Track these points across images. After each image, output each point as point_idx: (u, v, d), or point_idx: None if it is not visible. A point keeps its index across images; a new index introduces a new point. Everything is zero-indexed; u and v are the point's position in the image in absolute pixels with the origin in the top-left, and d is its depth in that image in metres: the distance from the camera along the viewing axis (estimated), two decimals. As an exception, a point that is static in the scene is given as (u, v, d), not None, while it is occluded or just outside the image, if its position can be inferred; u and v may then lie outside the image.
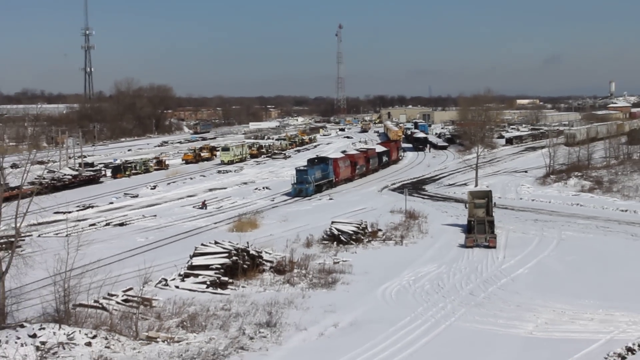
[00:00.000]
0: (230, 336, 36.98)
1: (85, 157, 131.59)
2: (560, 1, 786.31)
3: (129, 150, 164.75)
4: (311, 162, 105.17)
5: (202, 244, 52.34)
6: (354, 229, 61.93)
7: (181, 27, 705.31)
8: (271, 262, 51.60)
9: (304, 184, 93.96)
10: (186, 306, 41.64)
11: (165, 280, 47.72)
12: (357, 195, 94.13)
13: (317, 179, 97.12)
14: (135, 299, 41.94)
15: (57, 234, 65.51)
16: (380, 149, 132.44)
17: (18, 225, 40.25)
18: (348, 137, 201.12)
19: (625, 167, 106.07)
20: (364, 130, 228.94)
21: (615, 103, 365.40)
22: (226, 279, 47.71)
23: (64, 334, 34.86)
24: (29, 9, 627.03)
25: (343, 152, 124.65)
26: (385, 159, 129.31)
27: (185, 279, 47.79)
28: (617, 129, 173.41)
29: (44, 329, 34.98)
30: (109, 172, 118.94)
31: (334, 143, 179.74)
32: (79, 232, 59.00)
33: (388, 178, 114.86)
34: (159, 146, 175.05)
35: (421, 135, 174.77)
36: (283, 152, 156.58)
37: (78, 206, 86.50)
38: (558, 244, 60.04)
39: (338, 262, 53.59)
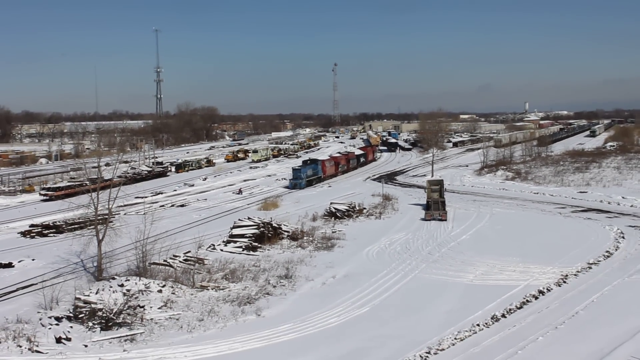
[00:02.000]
0: (259, 285, 36.95)
1: (156, 157, 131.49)
2: (488, 45, 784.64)
3: (187, 152, 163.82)
4: (304, 162, 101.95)
5: (239, 219, 52.26)
6: (346, 207, 61.78)
7: (224, 63, 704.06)
8: (288, 232, 51.41)
9: (298, 180, 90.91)
10: (228, 264, 41.57)
11: (214, 245, 47.57)
12: (348, 184, 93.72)
13: (308, 175, 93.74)
14: (192, 258, 41.89)
15: (137, 212, 65.25)
16: (358, 152, 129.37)
17: (110, 206, 40.33)
18: (341, 142, 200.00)
19: (536, 162, 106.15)
20: (352, 138, 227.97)
21: (529, 117, 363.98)
22: (256, 244, 47.62)
23: (143, 284, 34.90)
24: (119, 52, 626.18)
25: (330, 155, 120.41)
26: (362, 159, 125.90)
27: (227, 245, 47.65)
28: (530, 135, 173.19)
29: (129, 280, 35.04)
30: (173, 169, 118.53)
31: (331, 147, 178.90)
32: (152, 211, 58.97)
33: (369, 172, 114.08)
34: (208, 150, 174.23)
35: (393, 140, 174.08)
36: (295, 153, 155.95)
37: (151, 193, 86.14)
38: (490, 217, 59.84)
39: (335, 232, 53.37)
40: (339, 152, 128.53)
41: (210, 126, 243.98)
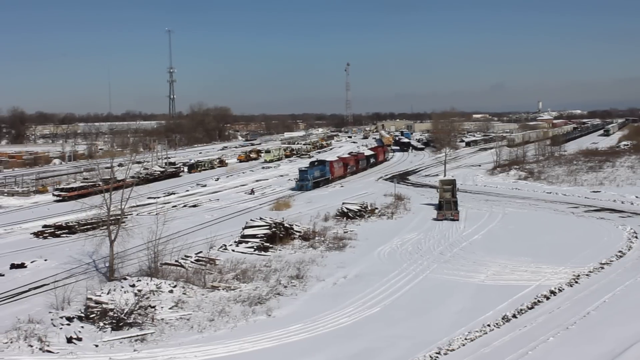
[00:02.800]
0: (270, 285, 37.01)
1: (169, 158, 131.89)
2: (501, 44, 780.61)
3: (199, 153, 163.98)
4: (312, 164, 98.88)
5: (251, 220, 52.30)
6: (358, 207, 61.74)
7: (236, 63, 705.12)
8: (299, 232, 51.44)
9: (305, 181, 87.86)
10: (240, 264, 41.62)
11: (225, 245, 47.67)
12: (360, 184, 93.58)
13: (315, 177, 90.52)
14: (204, 259, 42.01)
15: (149, 213, 65.47)
16: (368, 153, 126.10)
17: (123, 207, 40.58)
18: (354, 142, 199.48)
19: (549, 162, 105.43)
20: (365, 137, 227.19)
21: (542, 116, 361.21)
22: (268, 244, 47.68)
23: (154, 284, 35.08)
24: (132, 53, 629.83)
25: (338, 156, 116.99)
26: (372, 160, 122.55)
27: (239, 245, 47.74)
28: (543, 135, 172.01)
29: (140, 280, 35.24)
30: (186, 169, 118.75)
31: (344, 147, 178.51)
32: (165, 212, 59.20)
33: (380, 172, 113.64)
34: (220, 150, 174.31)
35: (406, 140, 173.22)
36: (308, 153, 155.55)
37: (164, 193, 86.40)
38: (502, 217, 59.63)
39: (347, 232, 53.37)
40: (348, 153, 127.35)
41: (223, 126, 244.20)
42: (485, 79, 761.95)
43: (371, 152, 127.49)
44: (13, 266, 43.22)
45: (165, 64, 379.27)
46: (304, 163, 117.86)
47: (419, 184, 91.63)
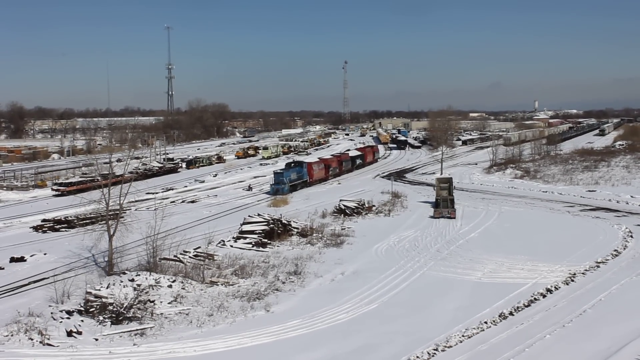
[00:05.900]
0: (269, 281, 37.03)
1: (167, 154, 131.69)
2: (499, 44, 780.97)
3: (198, 149, 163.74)
4: (288, 165, 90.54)
5: (249, 216, 52.34)
6: (356, 205, 61.77)
7: (235, 60, 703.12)
8: (297, 228, 51.44)
9: (280, 185, 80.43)
10: (238, 260, 41.65)
11: (223, 241, 47.70)
12: (357, 181, 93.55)
13: (292, 180, 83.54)
14: (202, 254, 41.98)
15: (148, 208, 65.28)
16: (354, 153, 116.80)
17: (121, 202, 40.54)
18: (351, 140, 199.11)
19: (545, 161, 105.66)
20: (362, 135, 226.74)
21: (538, 116, 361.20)
22: (266, 240, 47.69)
23: (153, 279, 35.03)
24: (131, 49, 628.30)
25: (319, 157, 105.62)
26: (359, 161, 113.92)
27: (237, 241, 47.74)
28: (539, 134, 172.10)
29: (139, 275, 35.19)
30: (184, 165, 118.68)
31: (341, 144, 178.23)
32: (163, 207, 59.07)
33: (377, 170, 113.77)
34: (218, 146, 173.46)
35: (403, 138, 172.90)
36: (305, 150, 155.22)
37: (162, 189, 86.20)
38: (499, 215, 59.70)
39: (344, 229, 53.32)
40: (337, 153, 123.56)
41: (221, 123, 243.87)
42: (482, 78, 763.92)
43: (357, 153, 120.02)
44: (13, 260, 43.24)
45: (164, 61, 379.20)
46: (301, 159, 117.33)
47: (416, 182, 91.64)
